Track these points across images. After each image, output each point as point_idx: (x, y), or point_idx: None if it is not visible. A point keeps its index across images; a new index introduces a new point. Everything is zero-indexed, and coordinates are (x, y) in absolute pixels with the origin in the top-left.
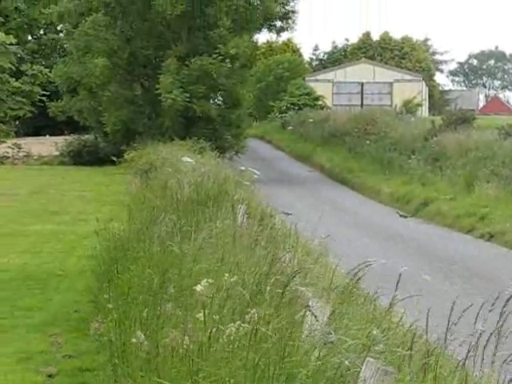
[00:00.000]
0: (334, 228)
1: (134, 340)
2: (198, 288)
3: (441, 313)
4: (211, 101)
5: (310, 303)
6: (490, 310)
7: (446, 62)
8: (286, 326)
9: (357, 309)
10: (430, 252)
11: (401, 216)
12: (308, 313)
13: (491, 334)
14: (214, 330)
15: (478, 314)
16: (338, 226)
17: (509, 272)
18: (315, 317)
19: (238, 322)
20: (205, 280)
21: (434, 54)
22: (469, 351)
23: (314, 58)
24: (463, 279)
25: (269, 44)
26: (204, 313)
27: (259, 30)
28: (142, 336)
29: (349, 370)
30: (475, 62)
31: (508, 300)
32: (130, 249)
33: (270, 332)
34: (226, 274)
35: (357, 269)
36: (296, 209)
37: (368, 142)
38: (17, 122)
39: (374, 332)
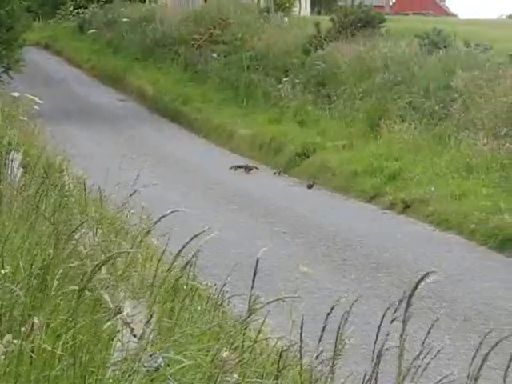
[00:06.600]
0: (164, 192)
1: None
2: None
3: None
4: None
5: (122, 307)
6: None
7: None
8: (85, 342)
9: (197, 314)
10: (313, 230)
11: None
12: (120, 322)
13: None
14: None
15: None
16: (169, 188)
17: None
18: (131, 329)
19: (8, 337)
20: None
21: None
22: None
23: None
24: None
25: None
26: None
27: None
28: None
29: None
30: None
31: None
32: None
33: (59, 351)
34: None
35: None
36: (101, 161)
37: (215, 55)
38: None
39: (224, 354)
